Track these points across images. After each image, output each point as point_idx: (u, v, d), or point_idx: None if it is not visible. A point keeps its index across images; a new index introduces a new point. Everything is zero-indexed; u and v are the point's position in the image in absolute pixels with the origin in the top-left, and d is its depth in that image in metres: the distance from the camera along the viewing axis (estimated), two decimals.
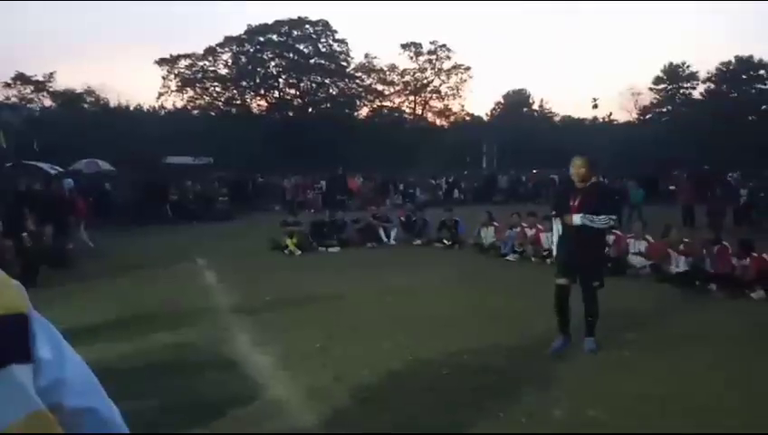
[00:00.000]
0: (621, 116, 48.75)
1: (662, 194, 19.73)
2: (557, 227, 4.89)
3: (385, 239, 11.46)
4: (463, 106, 46.04)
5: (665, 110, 45.56)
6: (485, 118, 49.89)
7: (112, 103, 36.68)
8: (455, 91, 44.65)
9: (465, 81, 44.27)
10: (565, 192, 4.88)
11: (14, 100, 33.89)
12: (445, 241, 10.97)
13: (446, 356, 4.62)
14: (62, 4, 56.87)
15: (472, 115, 47.91)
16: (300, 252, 10.20)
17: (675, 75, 45.07)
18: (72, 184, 12.92)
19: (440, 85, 44.33)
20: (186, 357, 4.68)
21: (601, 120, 47.28)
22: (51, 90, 34.79)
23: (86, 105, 35.55)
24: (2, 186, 11.82)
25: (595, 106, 44.64)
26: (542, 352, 4.63)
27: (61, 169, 15.89)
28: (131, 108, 38.30)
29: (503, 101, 50.30)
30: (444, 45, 43.14)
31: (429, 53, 43.13)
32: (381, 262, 9.36)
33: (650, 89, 45.61)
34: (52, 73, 34.78)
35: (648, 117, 45.99)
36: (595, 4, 69.53)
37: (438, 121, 46.34)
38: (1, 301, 0.73)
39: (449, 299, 6.67)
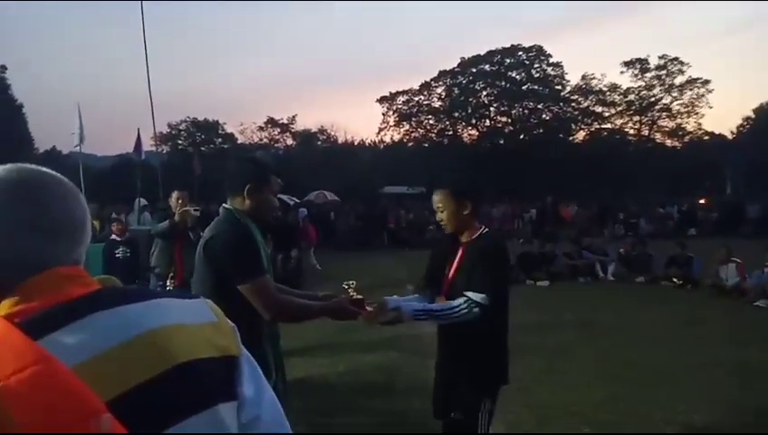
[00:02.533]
0: None
1: None
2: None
3: (601, 274, 10.55)
4: (700, 124, 40.34)
5: None
6: (730, 136, 43.11)
7: (340, 140, 41.12)
8: (689, 108, 39.52)
9: (703, 95, 38.92)
10: (440, 252, 2.66)
11: (265, 140, 40.28)
12: (675, 280, 9.64)
13: (669, 412, 4.04)
14: (297, 54, 66.27)
15: (712, 133, 41.73)
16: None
17: None
18: (306, 213, 14.69)
19: (671, 103, 39.66)
20: (394, 380, 4.88)
21: None
22: (292, 130, 40.53)
23: (319, 142, 40.45)
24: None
25: None
26: None
27: (297, 200, 18.26)
28: (355, 143, 42.42)
29: (752, 116, 42.93)
30: (676, 58, 38.70)
31: (658, 68, 39.07)
32: (596, 299, 8.62)
33: None
34: (294, 116, 40.55)
35: None
36: None
37: (669, 142, 41.41)
38: (218, 343, 0.80)
39: (675, 347, 5.83)
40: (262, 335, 2.15)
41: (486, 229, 2.50)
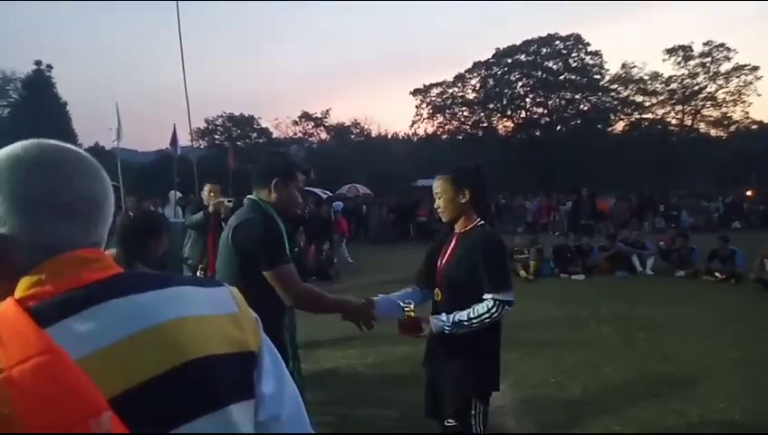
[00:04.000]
0: None
1: None
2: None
3: (639, 268, 10.25)
4: (747, 113, 38.57)
5: None
6: None
7: (374, 133, 41.14)
8: (735, 97, 37.87)
9: (751, 83, 37.22)
10: (438, 243, 2.60)
11: (299, 135, 40.70)
12: (717, 274, 9.29)
13: (709, 411, 3.89)
14: (330, 48, 66.48)
15: (760, 123, 39.95)
16: (533, 277, 9.81)
17: None
18: (341, 206, 14.78)
19: (716, 91, 38.08)
20: (422, 372, 4.86)
21: None
22: (326, 124, 40.77)
23: (352, 136, 40.57)
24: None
25: None
26: None
27: (330, 194, 18.42)
28: (389, 136, 42.36)
29: None
30: (722, 45, 37.13)
31: (702, 55, 37.55)
32: (632, 294, 8.37)
33: None
34: (328, 110, 40.76)
35: None
36: None
37: (714, 132, 39.82)
38: (235, 338, 0.76)
39: (715, 343, 5.61)
40: (283, 325, 2.20)
41: (482, 222, 2.45)
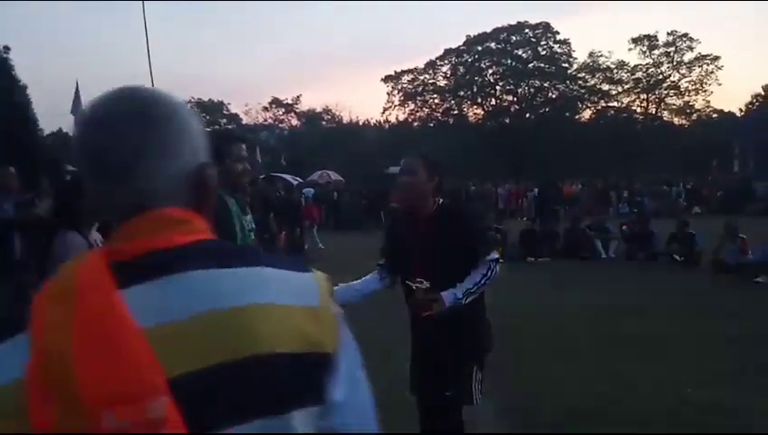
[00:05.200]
0: None
1: None
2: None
3: (603, 252, 10.54)
4: (708, 102, 39.80)
5: None
6: (738, 114, 42.58)
7: (345, 120, 40.99)
8: (698, 86, 38.95)
9: (712, 72, 38.30)
10: (397, 231, 2.63)
11: (269, 121, 40.24)
12: (675, 256, 9.62)
13: (664, 386, 4.05)
14: (310, 34, 65.66)
15: (720, 111, 41.26)
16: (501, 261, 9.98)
17: None
18: (312, 193, 14.72)
19: (679, 80, 39.12)
20: (383, 353, 4.93)
21: None
22: (297, 111, 40.44)
23: (324, 122, 40.36)
24: (256, 195, 14.05)
25: None
26: None
27: (301, 180, 18.32)
28: (360, 123, 42.25)
29: (763, 93, 42.32)
30: (685, 35, 38.05)
31: (666, 44, 38.44)
32: (596, 276, 8.62)
33: None
34: (298, 96, 40.44)
35: None
36: None
37: (676, 120, 40.95)
38: (310, 336, 0.66)
39: (673, 322, 5.84)
40: None
41: (441, 200, 2.47)
